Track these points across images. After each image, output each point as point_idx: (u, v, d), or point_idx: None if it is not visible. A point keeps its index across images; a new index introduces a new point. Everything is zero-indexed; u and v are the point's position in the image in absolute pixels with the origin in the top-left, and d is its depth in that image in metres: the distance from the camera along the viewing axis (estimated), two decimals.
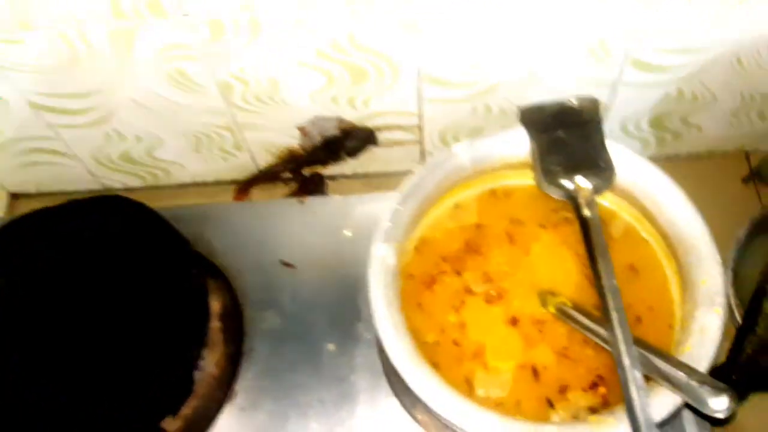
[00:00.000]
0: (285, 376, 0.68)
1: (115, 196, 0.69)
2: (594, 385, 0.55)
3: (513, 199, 0.65)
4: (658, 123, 0.77)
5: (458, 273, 0.62)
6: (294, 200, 0.77)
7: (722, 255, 0.55)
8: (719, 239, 0.56)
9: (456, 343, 0.59)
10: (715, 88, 0.71)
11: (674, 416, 0.49)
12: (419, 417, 0.65)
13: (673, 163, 0.61)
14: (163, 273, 0.64)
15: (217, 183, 0.87)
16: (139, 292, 0.64)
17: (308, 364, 0.68)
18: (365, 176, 0.85)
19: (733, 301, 0.62)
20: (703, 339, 0.51)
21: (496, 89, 0.70)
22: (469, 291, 0.61)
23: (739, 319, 0.61)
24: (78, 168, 0.83)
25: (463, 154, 0.60)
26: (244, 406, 0.67)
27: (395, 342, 0.53)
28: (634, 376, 0.48)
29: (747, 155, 0.81)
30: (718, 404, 0.45)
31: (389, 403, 0.66)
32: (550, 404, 0.55)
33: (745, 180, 0.78)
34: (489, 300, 0.60)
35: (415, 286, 0.60)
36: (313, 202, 0.77)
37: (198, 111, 0.73)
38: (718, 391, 0.46)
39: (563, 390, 0.55)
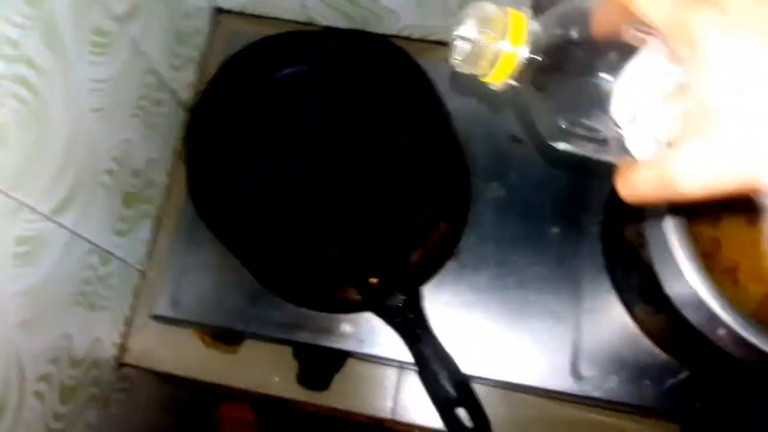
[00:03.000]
0: (506, 246, 0.68)
1: (376, 35, 0.67)
2: None
3: None
4: None
5: None
6: None
7: None
8: None
9: (708, 255, 0.59)
10: None
11: None
12: (638, 316, 0.66)
13: None
14: (424, 122, 0.63)
15: (424, 41, 0.84)
16: (402, 136, 0.63)
17: (530, 240, 0.68)
18: None
19: None
20: None
21: None
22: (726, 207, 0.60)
23: None
24: None
25: None
26: (465, 265, 0.67)
27: (685, 249, 0.53)
28: None
29: None
30: None
31: (609, 296, 0.67)
32: None
33: None
34: (748, 222, 0.60)
35: None
36: None
37: None
38: None
39: None
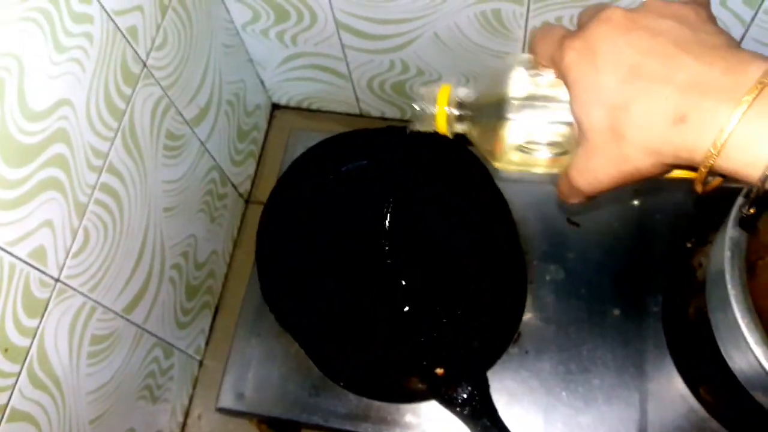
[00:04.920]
0: (568, 330, 0.68)
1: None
2: None
3: None
4: None
5: None
6: None
7: None
8: None
9: None
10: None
11: None
12: (704, 396, 0.65)
13: None
14: (484, 216, 0.65)
15: None
16: (461, 223, 0.65)
17: (592, 323, 0.68)
18: None
19: None
20: None
21: None
22: None
23: None
24: (347, 90, 0.85)
25: None
26: (527, 350, 0.67)
27: (752, 327, 0.52)
28: None
29: None
30: None
31: (673, 377, 0.66)
32: None
33: None
34: None
35: None
36: None
37: (490, 53, 0.72)
38: None
39: None
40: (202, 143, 0.70)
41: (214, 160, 0.74)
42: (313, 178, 0.66)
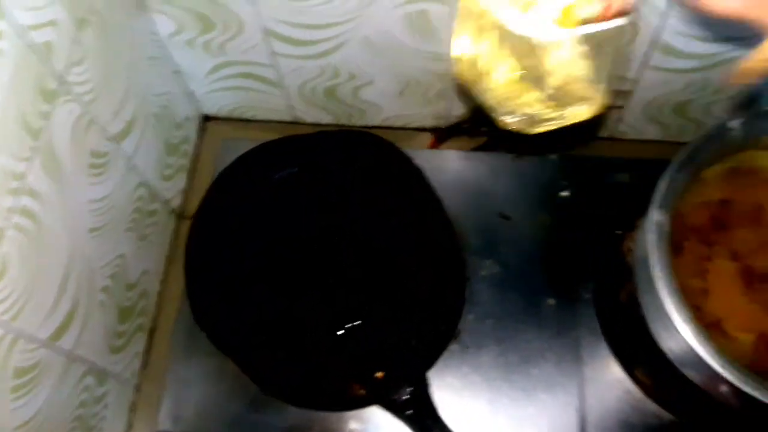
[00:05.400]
0: (505, 322, 0.69)
1: (363, 133, 0.70)
2: None
3: (756, 177, 0.67)
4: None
5: (705, 244, 0.63)
6: (508, 156, 0.78)
7: None
8: None
9: (697, 308, 0.61)
10: None
11: None
12: (640, 378, 0.67)
13: None
14: (416, 211, 0.66)
15: (405, 128, 0.88)
16: (395, 224, 0.65)
17: (528, 314, 0.70)
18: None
19: None
20: None
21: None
22: (714, 262, 0.63)
23: None
24: (278, 97, 0.84)
25: (738, 129, 0.62)
26: (467, 345, 0.68)
27: (678, 307, 0.54)
28: None
29: None
30: None
31: (609, 361, 0.68)
32: None
33: None
34: (735, 272, 0.62)
35: None
36: (526, 158, 0.78)
37: (422, 56, 0.74)
38: None
39: None
40: (128, 159, 0.68)
41: (142, 175, 0.72)
42: (243, 187, 0.65)
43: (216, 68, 0.78)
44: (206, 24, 0.71)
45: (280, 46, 0.73)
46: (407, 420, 0.61)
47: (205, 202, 0.64)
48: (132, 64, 0.67)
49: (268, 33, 0.71)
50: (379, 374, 0.60)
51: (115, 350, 0.68)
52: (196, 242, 0.63)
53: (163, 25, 0.71)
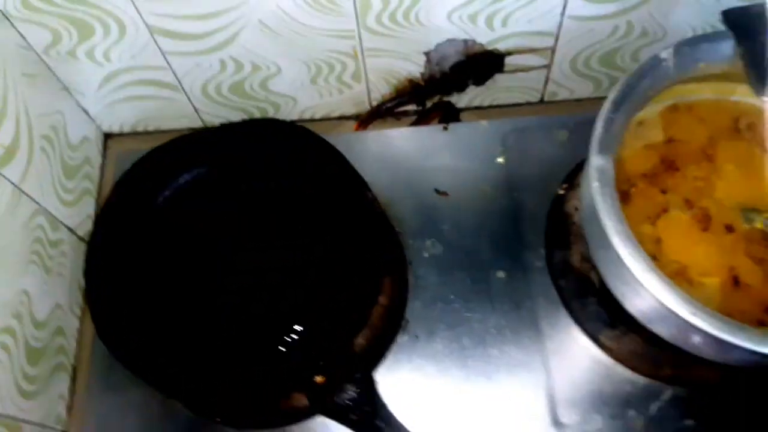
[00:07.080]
0: (455, 304, 0.64)
1: (269, 119, 0.64)
2: None
3: (695, 113, 0.63)
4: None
5: (658, 189, 0.59)
6: (438, 127, 0.73)
7: None
8: None
9: (654, 258, 0.57)
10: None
11: None
12: (605, 343, 0.62)
13: None
14: (338, 198, 0.60)
15: (327, 119, 0.83)
16: (316, 219, 0.59)
17: (478, 291, 0.65)
18: (477, 110, 0.81)
19: None
20: None
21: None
22: (665, 207, 0.59)
23: None
24: (181, 102, 0.78)
25: (670, 60, 0.57)
26: (417, 335, 0.63)
27: (636, 255, 0.49)
28: None
29: None
30: None
31: (571, 331, 0.63)
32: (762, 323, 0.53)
33: None
34: (691, 217, 0.58)
35: None
36: (456, 128, 0.73)
37: (326, 34, 0.68)
38: None
39: None
40: (15, 186, 0.62)
41: (37, 203, 0.65)
42: (143, 197, 0.59)
43: (107, 79, 0.72)
44: (83, 29, 0.65)
45: (169, 44, 0.67)
46: (357, 426, 0.55)
47: (101, 222, 0.58)
48: (5, 84, 0.60)
49: (153, 30, 0.66)
50: (319, 378, 0.54)
51: (29, 396, 0.61)
52: (96, 267, 0.56)
53: (34, 36, 0.65)
